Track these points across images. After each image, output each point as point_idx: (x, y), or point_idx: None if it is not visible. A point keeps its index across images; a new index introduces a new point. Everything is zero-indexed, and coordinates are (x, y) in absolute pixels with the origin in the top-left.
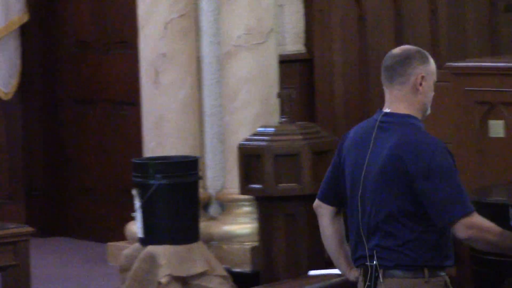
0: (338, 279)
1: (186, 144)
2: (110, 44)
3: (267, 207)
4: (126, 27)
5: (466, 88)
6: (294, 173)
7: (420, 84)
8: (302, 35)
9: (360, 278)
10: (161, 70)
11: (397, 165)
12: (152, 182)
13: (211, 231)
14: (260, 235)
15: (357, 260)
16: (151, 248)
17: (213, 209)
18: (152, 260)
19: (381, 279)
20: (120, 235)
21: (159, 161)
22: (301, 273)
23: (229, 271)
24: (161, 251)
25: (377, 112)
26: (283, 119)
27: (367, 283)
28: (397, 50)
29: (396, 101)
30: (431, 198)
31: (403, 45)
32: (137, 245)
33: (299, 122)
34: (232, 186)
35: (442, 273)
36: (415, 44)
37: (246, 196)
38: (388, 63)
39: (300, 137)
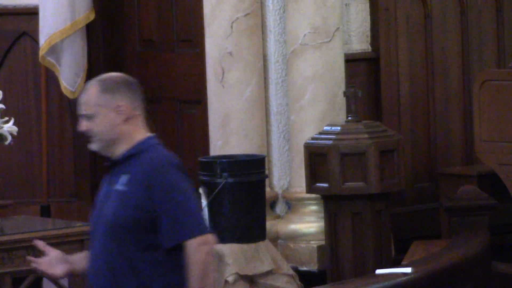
0: (404, 278)
1: (252, 143)
2: (176, 42)
3: (334, 206)
4: (192, 26)
5: None
6: (360, 172)
7: None
8: (368, 34)
9: None
10: (227, 68)
11: None
12: (219, 180)
13: (278, 230)
14: (327, 234)
15: None
16: (218, 247)
17: (280, 208)
18: (219, 259)
19: None
20: None
21: (226, 160)
22: (367, 272)
23: (295, 269)
24: (227, 249)
25: None
26: (349, 118)
27: None
28: None
29: None
30: None
31: (467, 44)
32: None
33: (365, 121)
34: (299, 184)
35: None
36: (479, 42)
37: (312, 195)
38: None
39: (367, 136)
